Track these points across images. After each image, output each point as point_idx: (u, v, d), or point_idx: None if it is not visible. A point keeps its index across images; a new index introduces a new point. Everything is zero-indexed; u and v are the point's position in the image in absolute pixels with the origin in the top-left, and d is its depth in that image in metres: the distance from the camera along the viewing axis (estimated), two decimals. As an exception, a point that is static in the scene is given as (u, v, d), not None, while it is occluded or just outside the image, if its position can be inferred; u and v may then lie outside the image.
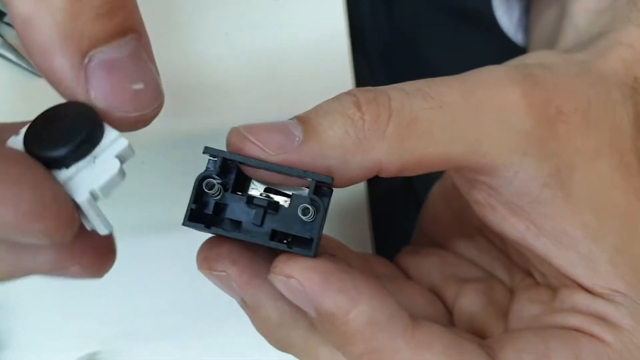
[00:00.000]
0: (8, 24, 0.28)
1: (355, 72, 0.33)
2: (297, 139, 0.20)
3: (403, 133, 0.20)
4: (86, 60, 0.16)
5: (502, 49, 0.36)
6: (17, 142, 0.17)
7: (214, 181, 0.20)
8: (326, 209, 0.20)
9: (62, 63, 0.16)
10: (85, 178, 0.17)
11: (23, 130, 0.17)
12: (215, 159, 0.20)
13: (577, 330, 0.22)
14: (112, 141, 0.17)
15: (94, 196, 0.17)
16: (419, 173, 0.21)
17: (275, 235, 0.20)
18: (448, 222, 0.28)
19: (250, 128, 0.20)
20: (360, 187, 0.31)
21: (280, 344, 0.23)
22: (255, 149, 0.20)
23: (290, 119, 0.20)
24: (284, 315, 0.22)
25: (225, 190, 0.21)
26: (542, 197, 0.22)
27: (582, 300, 0.23)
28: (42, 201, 0.16)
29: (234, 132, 0.20)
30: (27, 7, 0.16)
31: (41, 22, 0.16)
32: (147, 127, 0.30)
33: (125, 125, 0.18)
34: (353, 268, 0.20)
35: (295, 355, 0.23)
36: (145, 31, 0.18)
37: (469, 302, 0.25)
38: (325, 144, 0.20)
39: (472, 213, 0.24)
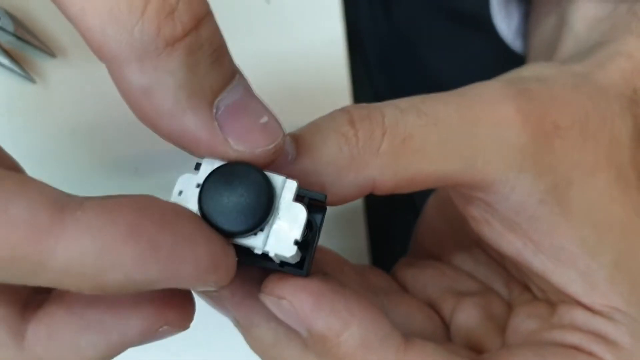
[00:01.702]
0: (1, 29, 0.28)
1: (353, 76, 0.33)
2: (290, 156, 0.19)
3: (397, 150, 0.20)
4: (214, 110, 0.16)
5: (501, 53, 0.36)
6: (182, 200, 0.18)
7: None
8: (319, 228, 0.19)
9: (194, 121, 0.16)
10: (281, 232, 0.18)
11: (188, 193, 0.18)
12: None
13: (575, 348, 0.22)
14: (283, 186, 0.18)
15: (297, 244, 0.18)
16: (413, 190, 0.21)
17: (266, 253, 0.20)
18: (445, 234, 0.28)
19: None
20: (357, 197, 0.31)
21: None
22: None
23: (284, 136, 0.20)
24: (277, 335, 0.21)
25: None
26: (538, 214, 0.22)
27: (580, 317, 0.22)
28: (216, 257, 0.16)
29: None
30: (145, 78, 0.15)
31: (164, 88, 0.16)
32: (141, 133, 0.30)
33: (266, 161, 0.18)
34: (346, 288, 0.20)
35: None
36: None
37: (467, 316, 0.25)
38: (319, 161, 0.19)
39: (469, 225, 0.24)
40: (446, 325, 0.26)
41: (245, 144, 0.17)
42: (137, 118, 0.17)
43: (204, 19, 0.16)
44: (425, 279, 0.27)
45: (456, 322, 0.25)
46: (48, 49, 0.29)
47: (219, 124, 0.17)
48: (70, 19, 0.15)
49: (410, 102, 0.21)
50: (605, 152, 0.23)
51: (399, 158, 0.20)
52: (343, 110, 0.21)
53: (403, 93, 0.41)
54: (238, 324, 0.22)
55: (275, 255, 0.18)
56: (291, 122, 0.21)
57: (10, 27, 0.28)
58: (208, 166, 0.18)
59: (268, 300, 0.20)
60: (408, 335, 0.21)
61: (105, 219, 0.15)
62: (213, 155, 0.17)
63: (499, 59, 0.36)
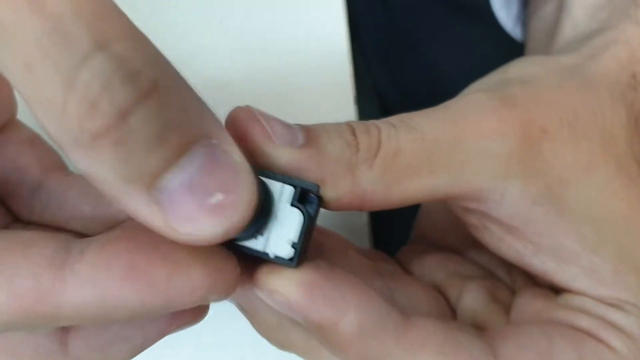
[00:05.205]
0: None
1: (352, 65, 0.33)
2: (300, 141, 0.20)
3: (389, 165, 0.20)
4: (155, 192, 0.15)
5: (500, 42, 0.36)
6: None
7: None
8: (312, 218, 0.19)
9: (133, 207, 0.15)
10: (279, 235, 0.19)
11: None
12: None
13: (583, 332, 0.22)
14: (281, 191, 0.19)
15: (293, 246, 0.19)
16: (404, 205, 0.21)
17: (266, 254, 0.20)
18: (446, 225, 0.28)
19: (259, 111, 0.20)
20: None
21: (281, 345, 0.23)
22: (263, 134, 0.19)
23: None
24: (281, 318, 0.22)
25: None
26: (533, 216, 0.22)
27: (589, 302, 0.22)
28: (212, 277, 0.17)
29: (244, 109, 0.20)
30: (83, 165, 0.15)
31: (99, 176, 0.15)
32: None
33: (214, 243, 0.16)
34: (338, 272, 0.20)
35: (298, 354, 0.23)
36: (219, 126, 0.16)
37: (472, 299, 0.25)
38: (323, 155, 0.20)
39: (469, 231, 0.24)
40: (452, 309, 0.25)
41: (189, 228, 0.15)
42: None
43: (136, 105, 0.14)
44: (431, 263, 0.27)
45: (462, 305, 0.25)
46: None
47: (161, 208, 0.15)
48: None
49: (400, 118, 0.22)
50: (599, 148, 0.23)
51: (391, 172, 0.20)
52: (345, 123, 0.21)
53: (402, 83, 0.41)
54: (242, 308, 0.22)
55: (275, 256, 0.19)
56: (292, 111, 0.21)
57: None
58: None
59: (261, 293, 0.20)
60: (408, 314, 0.21)
61: (101, 266, 0.16)
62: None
63: (498, 48, 0.36)
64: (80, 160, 0.15)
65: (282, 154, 0.19)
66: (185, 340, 0.30)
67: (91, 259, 0.16)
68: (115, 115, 0.14)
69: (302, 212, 0.19)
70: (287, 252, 0.19)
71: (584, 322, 0.22)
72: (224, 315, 0.30)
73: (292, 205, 0.19)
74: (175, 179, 0.15)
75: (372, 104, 0.41)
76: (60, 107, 0.14)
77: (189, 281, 0.17)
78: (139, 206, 0.15)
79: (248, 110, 0.20)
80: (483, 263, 0.27)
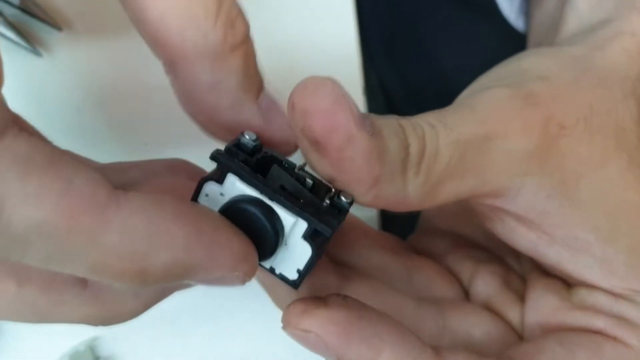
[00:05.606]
0: (7, 2, 0.28)
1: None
2: (369, 129, 0.18)
3: (429, 170, 0.20)
4: (259, 102, 0.20)
5: (504, 37, 0.36)
6: (208, 202, 0.20)
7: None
8: (319, 252, 0.19)
9: (249, 111, 0.20)
10: (287, 259, 0.20)
11: (213, 198, 0.19)
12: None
13: (599, 332, 0.22)
14: (294, 224, 0.19)
15: (298, 272, 0.20)
16: (429, 208, 0.21)
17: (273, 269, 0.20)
18: (454, 210, 0.28)
19: (343, 88, 0.18)
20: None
21: None
22: (351, 114, 0.18)
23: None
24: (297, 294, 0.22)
25: None
26: (547, 209, 0.22)
27: (602, 299, 0.23)
28: (246, 248, 0.18)
29: (330, 83, 0.18)
30: (215, 75, 0.19)
31: (228, 84, 0.19)
32: (149, 107, 0.29)
33: (290, 147, 0.21)
34: (370, 309, 0.20)
35: None
36: None
37: (485, 283, 0.25)
38: (386, 151, 0.19)
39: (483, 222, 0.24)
40: (465, 291, 0.26)
41: (279, 130, 0.20)
42: (189, 114, 0.20)
43: (249, 32, 0.19)
44: (442, 247, 0.27)
45: (475, 288, 0.25)
46: (54, 23, 0.29)
47: (264, 114, 0.20)
48: (146, 21, 0.18)
49: (436, 117, 0.21)
50: (612, 142, 0.23)
51: (430, 178, 0.20)
52: (394, 119, 0.20)
53: (406, 77, 0.41)
54: (261, 282, 0.23)
55: (280, 274, 0.20)
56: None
57: (16, 0, 0.28)
58: (230, 179, 0.19)
59: (294, 334, 0.20)
60: (438, 349, 0.21)
61: (154, 202, 0.16)
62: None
63: (503, 43, 0.36)
64: (215, 71, 0.19)
65: (361, 139, 0.18)
66: (195, 330, 0.31)
67: (142, 196, 0.16)
68: (245, 32, 0.19)
69: (312, 248, 0.19)
70: (292, 275, 0.19)
71: (599, 322, 0.22)
72: (231, 305, 0.30)
73: (304, 238, 0.19)
74: (267, 97, 0.21)
75: (376, 98, 0.41)
76: (213, 21, 0.18)
77: (229, 242, 0.17)
78: (252, 112, 0.20)
79: (335, 86, 0.18)
80: (493, 249, 0.27)
